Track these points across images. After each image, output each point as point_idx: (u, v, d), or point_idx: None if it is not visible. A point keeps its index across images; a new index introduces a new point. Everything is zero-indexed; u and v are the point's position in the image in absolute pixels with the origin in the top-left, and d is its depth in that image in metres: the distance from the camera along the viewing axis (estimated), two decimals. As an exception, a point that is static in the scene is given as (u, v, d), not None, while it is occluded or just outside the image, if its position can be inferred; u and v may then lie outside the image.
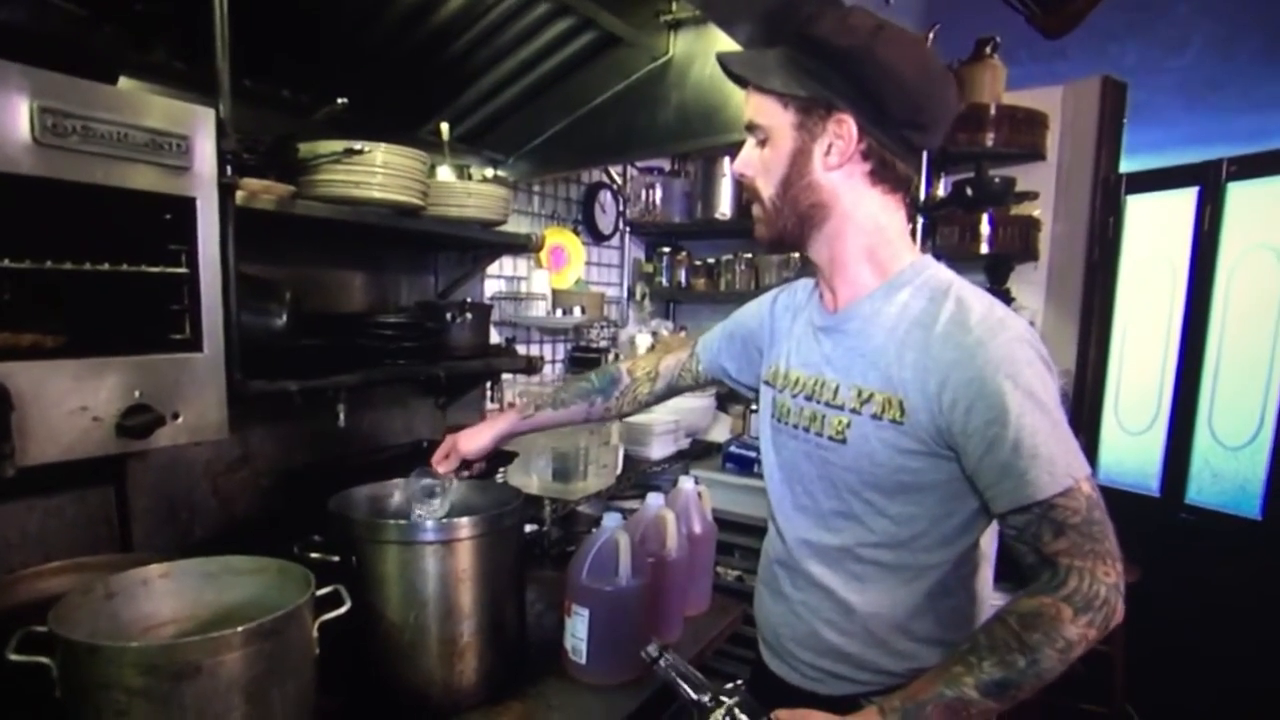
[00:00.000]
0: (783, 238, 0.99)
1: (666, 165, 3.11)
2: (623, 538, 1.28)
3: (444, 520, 1.17)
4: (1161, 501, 2.67)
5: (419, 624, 1.15)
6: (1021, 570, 0.87)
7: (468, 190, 1.62)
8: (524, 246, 1.86)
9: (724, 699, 0.87)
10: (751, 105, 0.96)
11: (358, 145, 1.31)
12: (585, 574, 1.27)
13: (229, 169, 1.05)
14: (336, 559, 1.14)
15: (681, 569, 1.47)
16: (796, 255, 2.76)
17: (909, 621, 0.96)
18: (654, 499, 1.48)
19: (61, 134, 0.86)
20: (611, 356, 2.65)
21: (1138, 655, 2.40)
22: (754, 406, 2.69)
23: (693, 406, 2.72)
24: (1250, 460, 2.43)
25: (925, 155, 1.23)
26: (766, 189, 0.96)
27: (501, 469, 1.79)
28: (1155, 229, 2.68)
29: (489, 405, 2.14)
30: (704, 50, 1.75)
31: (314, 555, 1.14)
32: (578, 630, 1.27)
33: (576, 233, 2.66)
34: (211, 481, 1.48)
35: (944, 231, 2.56)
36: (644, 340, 2.88)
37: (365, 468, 1.31)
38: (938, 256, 1.01)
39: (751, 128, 0.97)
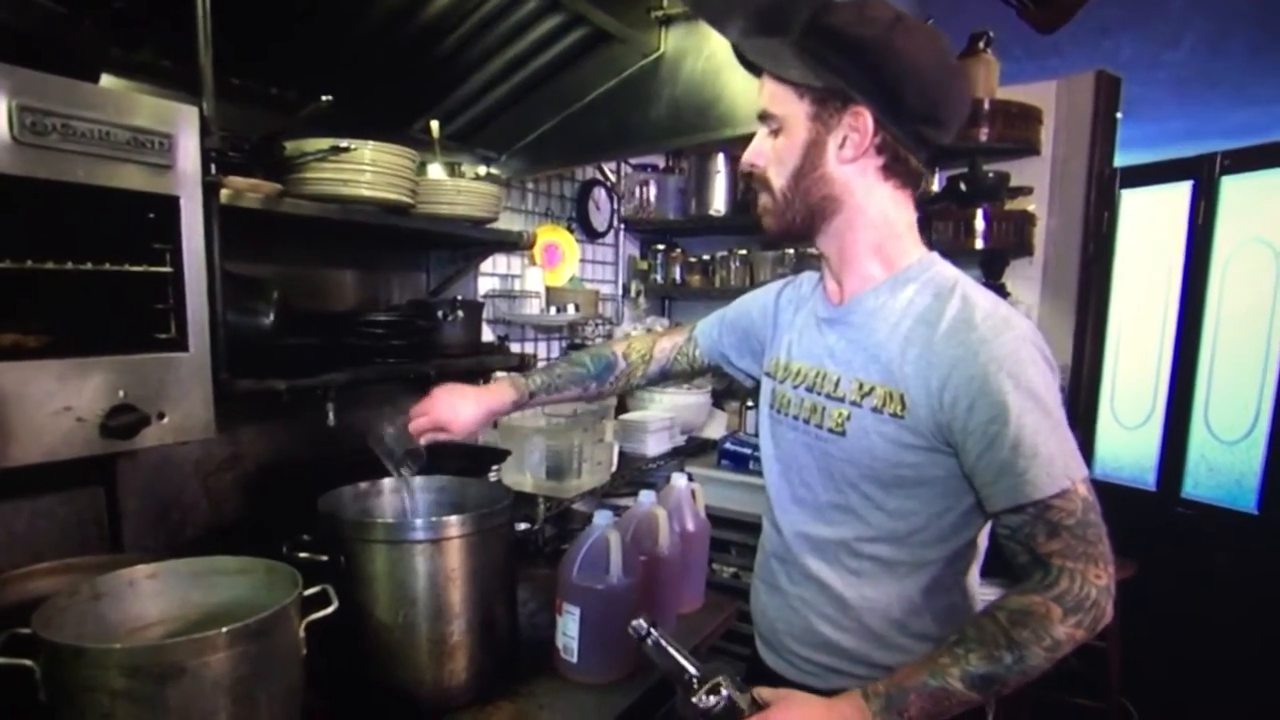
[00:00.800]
0: (791, 230, 0.97)
1: (660, 162, 3.10)
2: (613, 536, 1.28)
3: (433, 519, 1.17)
4: (1158, 496, 2.67)
5: (408, 623, 1.14)
6: (1014, 569, 0.87)
7: (458, 188, 1.61)
8: (515, 244, 1.85)
9: (711, 675, 0.86)
10: (766, 94, 0.94)
11: (344, 143, 1.31)
12: (576, 572, 1.27)
13: (213, 167, 1.04)
14: (325, 558, 1.13)
15: (674, 566, 1.47)
16: (792, 252, 2.76)
17: (905, 617, 0.96)
18: (646, 496, 1.48)
19: (41, 132, 0.85)
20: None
21: (1134, 650, 2.40)
22: (750, 403, 2.69)
23: (688, 403, 2.72)
24: (1246, 454, 2.43)
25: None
26: (778, 180, 0.95)
27: (495, 467, 1.79)
28: (1150, 223, 2.68)
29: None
30: (695, 46, 1.74)
31: (303, 555, 1.13)
32: (569, 629, 1.27)
33: (571, 230, 2.65)
34: (202, 481, 1.48)
35: (938, 227, 2.55)
36: (639, 338, 2.87)
37: (355, 466, 1.30)
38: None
39: (765, 117, 0.95)
